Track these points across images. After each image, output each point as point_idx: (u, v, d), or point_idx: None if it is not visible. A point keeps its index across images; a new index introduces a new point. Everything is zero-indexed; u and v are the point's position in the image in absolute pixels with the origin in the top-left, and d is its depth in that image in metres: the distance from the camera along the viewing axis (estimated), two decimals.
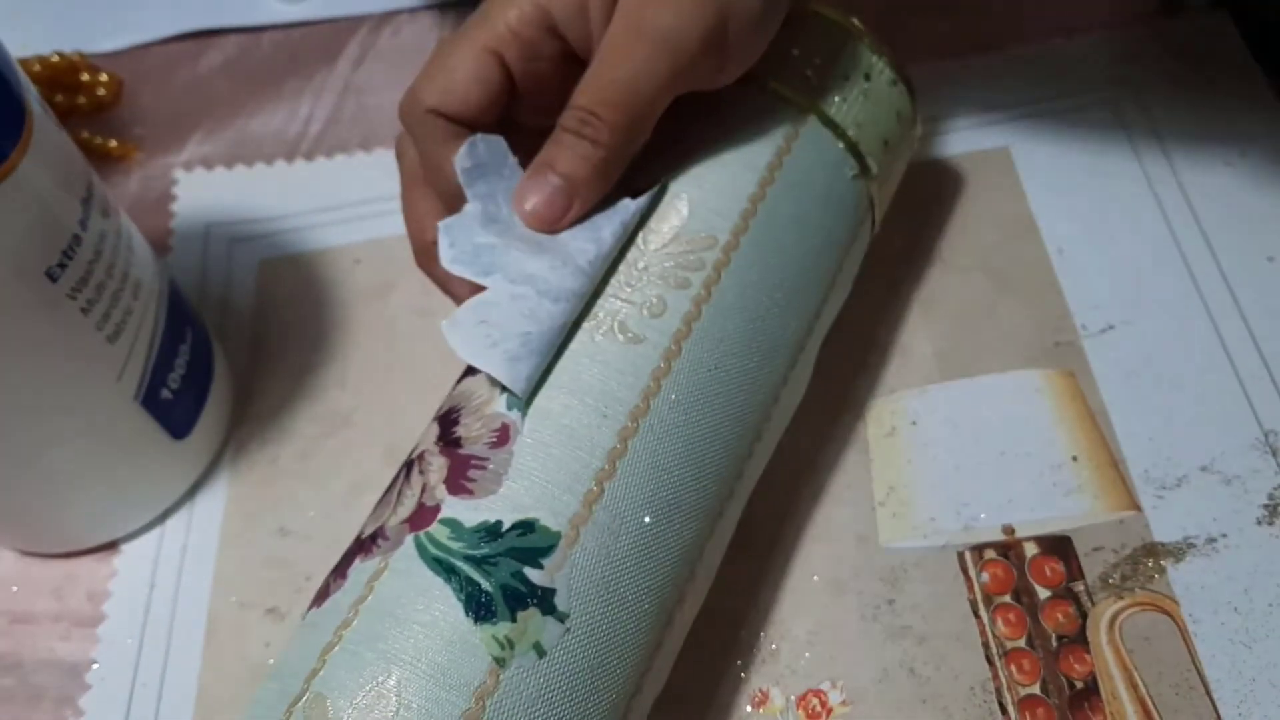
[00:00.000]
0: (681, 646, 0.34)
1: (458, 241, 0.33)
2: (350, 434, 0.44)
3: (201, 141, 0.54)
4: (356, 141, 0.54)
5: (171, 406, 0.41)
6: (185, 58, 0.58)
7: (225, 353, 0.46)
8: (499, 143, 0.34)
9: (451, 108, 0.34)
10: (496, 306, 0.32)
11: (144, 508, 0.42)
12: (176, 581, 0.41)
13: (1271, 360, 0.42)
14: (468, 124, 0.34)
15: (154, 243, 0.50)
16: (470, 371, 0.34)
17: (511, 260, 0.33)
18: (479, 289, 0.32)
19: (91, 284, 0.36)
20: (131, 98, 0.56)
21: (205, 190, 0.52)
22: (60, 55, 0.56)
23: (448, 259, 0.33)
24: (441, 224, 0.33)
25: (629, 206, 0.34)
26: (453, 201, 0.34)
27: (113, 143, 0.54)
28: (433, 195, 0.35)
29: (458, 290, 0.34)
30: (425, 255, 0.36)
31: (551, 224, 0.33)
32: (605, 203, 0.34)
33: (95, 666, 0.40)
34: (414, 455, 0.33)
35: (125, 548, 0.42)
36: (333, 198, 0.51)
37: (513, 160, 0.34)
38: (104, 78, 0.56)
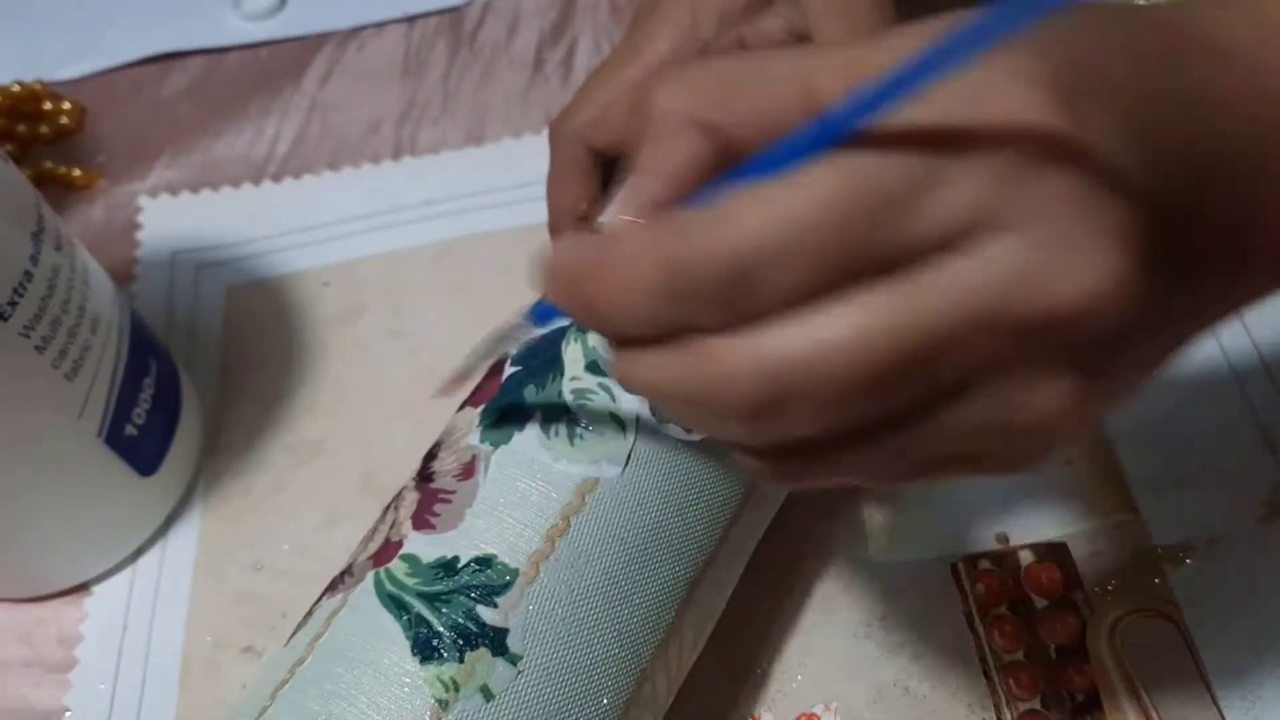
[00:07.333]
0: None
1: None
2: (322, 462, 0.43)
3: (166, 166, 0.53)
4: (324, 161, 0.52)
5: (137, 442, 0.39)
6: (148, 82, 0.57)
7: (194, 383, 0.45)
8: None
9: (598, 140, 0.35)
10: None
11: (114, 547, 0.41)
12: (150, 622, 0.40)
13: (1267, 354, 0.41)
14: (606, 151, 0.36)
15: (119, 272, 0.49)
16: (463, 405, 0.33)
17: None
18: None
19: (46, 321, 0.35)
20: (94, 125, 0.55)
21: (170, 216, 0.51)
22: (21, 84, 0.55)
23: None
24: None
25: None
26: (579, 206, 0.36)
27: (76, 171, 0.53)
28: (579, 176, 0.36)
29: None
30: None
31: None
32: None
33: (68, 714, 0.38)
34: (398, 492, 0.32)
35: (96, 589, 0.41)
36: (300, 220, 0.50)
37: None
38: (66, 106, 0.55)
